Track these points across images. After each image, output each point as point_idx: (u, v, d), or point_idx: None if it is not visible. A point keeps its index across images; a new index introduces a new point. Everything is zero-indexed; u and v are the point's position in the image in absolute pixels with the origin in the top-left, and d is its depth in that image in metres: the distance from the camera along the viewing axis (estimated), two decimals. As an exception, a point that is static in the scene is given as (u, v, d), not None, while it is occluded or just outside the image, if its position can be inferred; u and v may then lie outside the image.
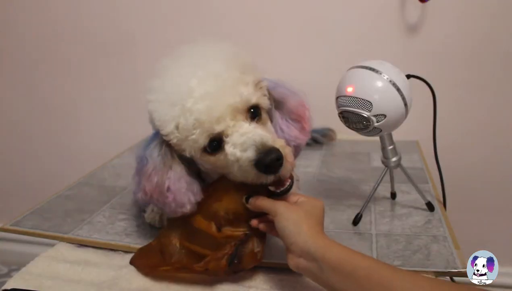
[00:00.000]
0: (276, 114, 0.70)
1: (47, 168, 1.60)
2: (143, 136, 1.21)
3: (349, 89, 0.68)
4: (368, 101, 0.67)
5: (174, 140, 0.62)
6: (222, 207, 0.64)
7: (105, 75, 1.44)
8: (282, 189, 0.62)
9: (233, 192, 0.64)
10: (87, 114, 1.50)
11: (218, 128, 0.60)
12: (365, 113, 0.67)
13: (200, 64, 0.62)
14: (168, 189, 0.62)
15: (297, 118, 0.71)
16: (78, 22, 1.41)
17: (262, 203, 0.61)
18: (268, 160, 0.57)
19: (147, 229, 0.76)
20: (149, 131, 0.68)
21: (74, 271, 0.67)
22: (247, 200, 0.62)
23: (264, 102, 0.65)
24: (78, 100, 1.49)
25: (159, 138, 0.65)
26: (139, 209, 0.83)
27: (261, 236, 0.63)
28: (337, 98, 0.71)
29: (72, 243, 0.74)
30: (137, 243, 0.72)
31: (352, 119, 0.69)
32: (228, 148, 0.60)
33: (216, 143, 0.61)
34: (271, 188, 0.62)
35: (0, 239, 1.62)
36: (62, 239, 0.75)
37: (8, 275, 1.61)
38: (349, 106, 0.68)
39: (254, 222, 0.63)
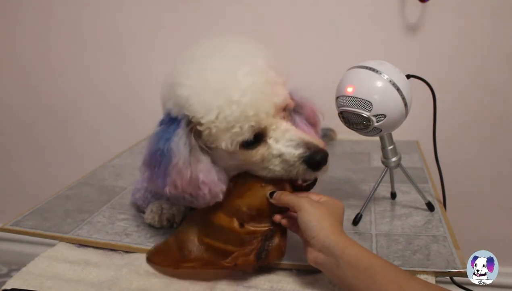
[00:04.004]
0: (296, 117, 0.72)
1: (47, 168, 1.60)
2: (142, 137, 1.21)
3: (349, 89, 0.68)
4: (368, 101, 0.67)
5: (213, 131, 0.61)
6: (245, 203, 0.65)
7: (105, 75, 1.44)
8: (308, 182, 0.65)
9: (256, 188, 0.65)
10: (87, 114, 1.50)
11: (264, 123, 0.62)
12: (365, 113, 0.67)
13: (243, 58, 0.63)
14: (203, 182, 0.63)
15: (314, 123, 0.73)
16: (78, 23, 1.41)
17: (287, 198, 0.62)
18: (319, 157, 0.62)
19: (147, 229, 0.76)
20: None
21: (74, 271, 0.67)
22: (271, 195, 0.64)
23: (291, 104, 0.67)
24: (78, 101, 1.49)
25: (183, 129, 0.63)
26: (139, 209, 0.83)
27: (283, 231, 0.65)
28: (337, 98, 0.71)
29: (72, 243, 0.74)
30: (137, 243, 0.72)
31: (352, 119, 0.69)
32: (272, 143, 0.63)
33: (256, 138, 0.63)
34: (299, 181, 0.65)
35: (0, 239, 1.62)
36: (62, 239, 0.75)
37: (8, 275, 1.61)
38: (349, 106, 0.68)
39: (277, 217, 0.64)
